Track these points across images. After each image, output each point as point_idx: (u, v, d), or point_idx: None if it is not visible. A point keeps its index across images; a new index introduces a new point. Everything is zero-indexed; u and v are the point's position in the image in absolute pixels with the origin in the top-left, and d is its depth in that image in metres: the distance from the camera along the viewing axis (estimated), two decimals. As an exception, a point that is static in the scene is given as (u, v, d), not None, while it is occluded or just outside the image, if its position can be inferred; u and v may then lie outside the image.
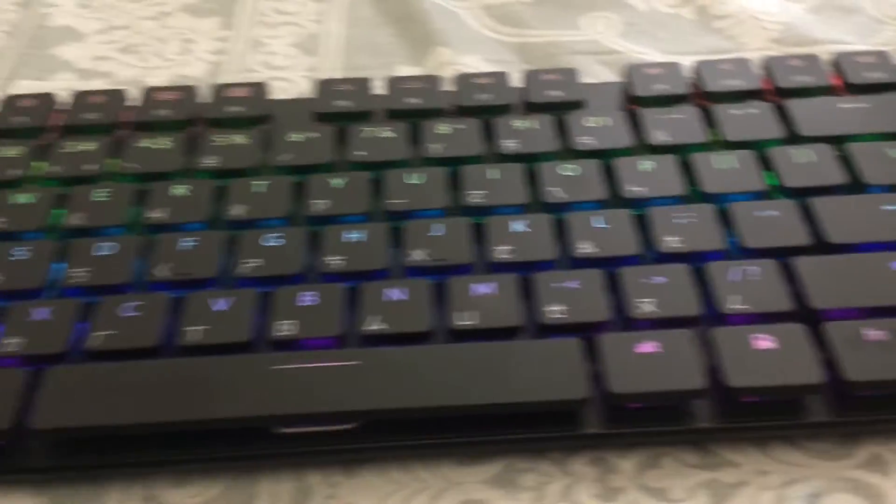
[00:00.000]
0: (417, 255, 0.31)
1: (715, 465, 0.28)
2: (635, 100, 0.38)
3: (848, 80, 0.37)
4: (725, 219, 0.32)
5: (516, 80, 0.39)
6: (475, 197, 0.33)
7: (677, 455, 0.29)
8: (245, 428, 0.28)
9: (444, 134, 0.36)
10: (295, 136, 0.36)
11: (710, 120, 0.36)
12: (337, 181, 0.34)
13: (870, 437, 0.29)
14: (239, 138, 0.36)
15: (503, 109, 0.37)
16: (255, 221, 0.33)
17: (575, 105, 0.37)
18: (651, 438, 0.29)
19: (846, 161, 0.34)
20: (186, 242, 0.32)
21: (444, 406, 0.27)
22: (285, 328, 0.29)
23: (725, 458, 0.28)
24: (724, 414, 0.28)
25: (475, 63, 0.44)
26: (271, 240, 0.32)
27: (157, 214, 0.33)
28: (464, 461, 0.29)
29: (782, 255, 0.31)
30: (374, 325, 0.29)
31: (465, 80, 0.39)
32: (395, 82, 0.39)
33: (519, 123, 0.36)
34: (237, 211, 0.33)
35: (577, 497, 0.28)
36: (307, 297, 0.30)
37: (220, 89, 0.39)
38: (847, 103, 0.36)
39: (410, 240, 0.32)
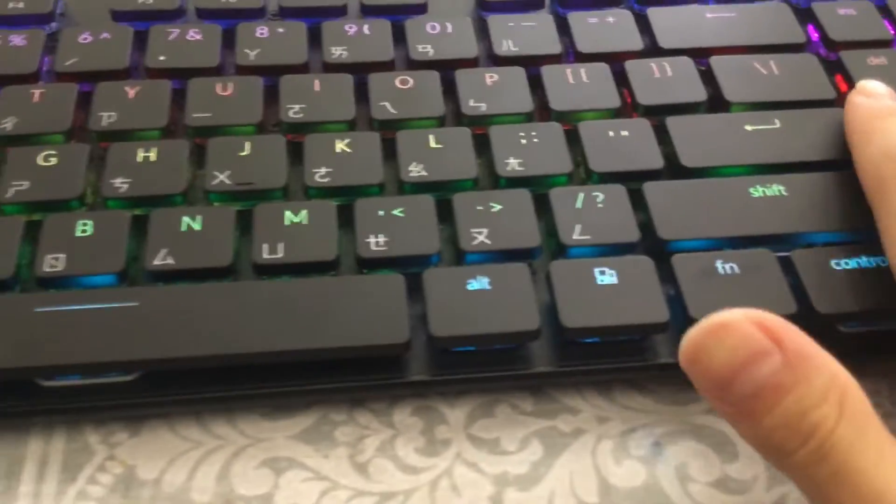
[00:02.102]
0: (219, 178, 0.27)
1: (552, 412, 0.26)
2: (486, 5, 0.34)
3: (716, -11, 0.34)
4: (573, 139, 0.29)
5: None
6: (296, 112, 0.29)
7: (513, 402, 0.26)
8: (6, 381, 0.24)
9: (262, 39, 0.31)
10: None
11: (562, 30, 0.33)
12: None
13: (719, 378, 0.26)
14: None
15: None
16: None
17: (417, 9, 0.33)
18: (484, 385, 0.26)
19: (709, 76, 0.31)
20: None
21: (240, 354, 0.24)
22: (53, 263, 0.25)
23: (564, 405, 0.26)
24: (562, 356, 0.25)
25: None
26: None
27: None
28: (267, 414, 0.25)
29: (631, 179, 0.28)
30: (160, 260, 0.25)
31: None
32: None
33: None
34: None
35: (397, 452, 0.24)
36: (82, 227, 0.25)
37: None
38: (713, 13, 0.33)
39: (212, 160, 0.27)
